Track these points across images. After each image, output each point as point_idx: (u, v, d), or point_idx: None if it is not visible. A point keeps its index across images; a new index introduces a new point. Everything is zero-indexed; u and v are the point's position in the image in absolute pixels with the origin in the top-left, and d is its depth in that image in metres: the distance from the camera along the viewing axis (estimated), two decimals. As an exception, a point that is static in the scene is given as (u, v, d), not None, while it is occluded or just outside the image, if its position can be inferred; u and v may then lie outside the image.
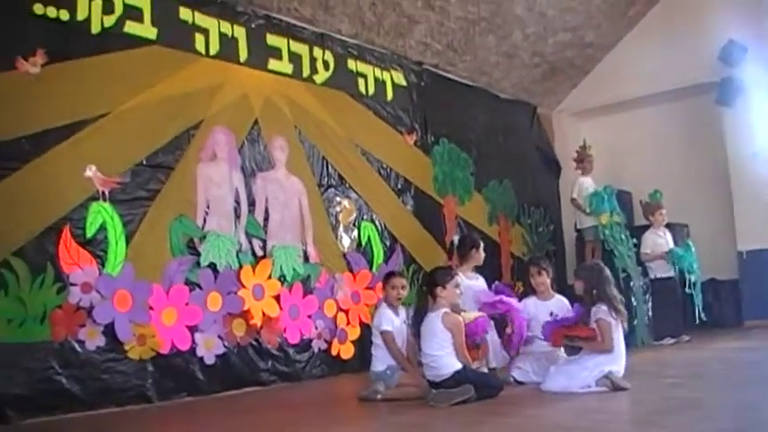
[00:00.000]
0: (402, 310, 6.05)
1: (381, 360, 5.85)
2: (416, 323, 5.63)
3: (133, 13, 6.51)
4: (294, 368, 7.37)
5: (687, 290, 9.29)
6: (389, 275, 6.21)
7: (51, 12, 5.94)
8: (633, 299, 9.06)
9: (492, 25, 9.84)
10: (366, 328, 7.92)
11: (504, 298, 6.20)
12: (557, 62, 11.37)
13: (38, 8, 5.87)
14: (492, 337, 6.13)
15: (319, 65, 8.20)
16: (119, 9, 6.40)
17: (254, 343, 7.04)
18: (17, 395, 5.39)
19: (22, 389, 5.42)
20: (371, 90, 8.82)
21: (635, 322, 8.74)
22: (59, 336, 5.68)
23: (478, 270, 6.90)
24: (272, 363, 7.18)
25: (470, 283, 6.54)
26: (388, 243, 8.65)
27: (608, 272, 5.81)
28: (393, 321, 5.87)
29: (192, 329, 6.52)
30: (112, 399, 5.93)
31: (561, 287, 7.43)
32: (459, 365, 5.23)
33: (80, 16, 6.14)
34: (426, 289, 5.70)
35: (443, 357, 5.25)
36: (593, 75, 12.07)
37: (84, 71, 6.11)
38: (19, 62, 5.72)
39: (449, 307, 5.46)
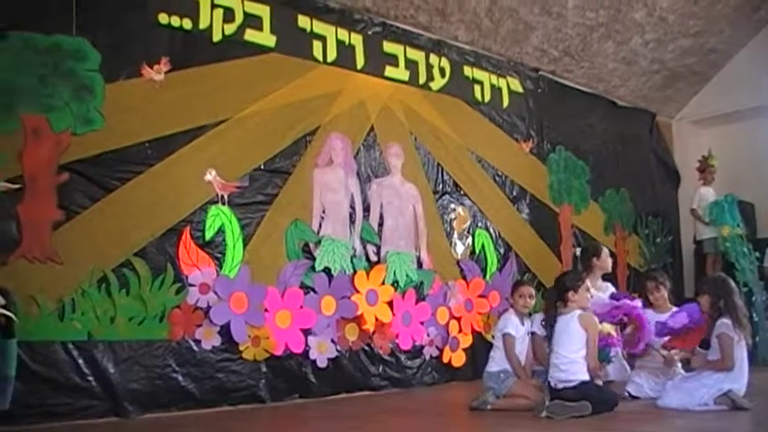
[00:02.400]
0: (527, 321, 5.82)
1: (498, 362, 5.67)
2: (547, 326, 5.45)
3: (253, 21, 6.52)
4: (405, 374, 7.21)
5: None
6: (518, 284, 6.05)
7: (175, 21, 6.02)
8: (755, 314, 8.51)
9: (610, 31, 9.43)
10: (478, 337, 7.78)
11: (617, 302, 5.95)
12: (677, 69, 10.80)
13: (162, 18, 5.96)
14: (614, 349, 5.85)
15: (435, 72, 8.01)
16: (239, 18, 6.43)
17: (367, 348, 6.92)
18: (136, 390, 5.47)
19: (141, 385, 5.50)
20: (487, 97, 8.56)
21: (756, 339, 8.21)
22: (177, 335, 5.72)
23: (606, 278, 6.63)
24: (384, 368, 7.05)
25: (594, 292, 6.28)
26: (502, 251, 8.38)
27: (733, 283, 5.48)
28: (518, 328, 5.68)
29: (306, 332, 6.44)
30: (226, 398, 5.93)
31: (679, 300, 7.02)
32: (586, 377, 5.05)
33: (202, 25, 6.19)
34: (557, 293, 5.47)
35: (575, 363, 5.07)
36: (714, 81, 11.38)
37: (206, 78, 6.15)
38: (144, 69, 5.81)
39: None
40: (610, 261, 6.72)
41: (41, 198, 5.22)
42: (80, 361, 5.26)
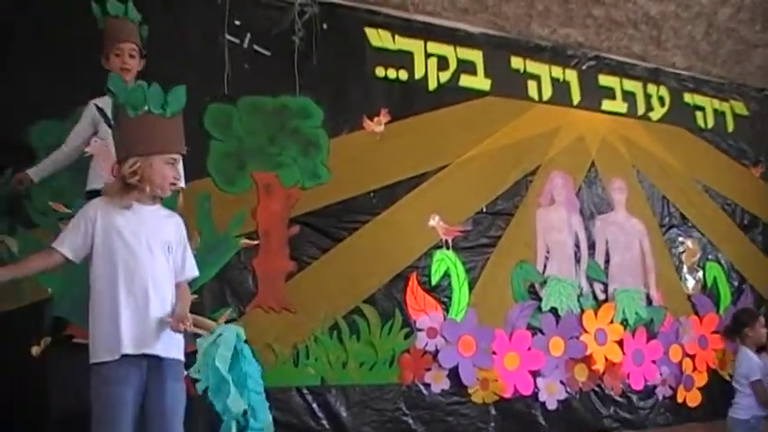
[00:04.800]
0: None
1: (746, 409, 5.01)
2: None
3: (467, 67, 6.25)
4: (637, 415, 6.43)
5: None
6: (754, 314, 5.41)
7: (391, 73, 5.88)
8: None
9: (840, 41, 8.26)
10: (714, 375, 6.86)
11: None
12: None
13: (379, 71, 5.84)
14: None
15: (654, 101, 7.26)
16: (453, 65, 6.18)
17: (597, 389, 6.25)
18: (368, 434, 5.23)
19: (372, 428, 5.29)
20: (711, 123, 7.63)
21: None
22: (407, 379, 5.45)
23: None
24: (615, 409, 6.32)
25: None
26: (735, 284, 7.35)
27: None
28: (761, 367, 5.00)
29: (535, 374, 5.93)
30: (454, 441, 5.53)
31: None
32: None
33: (417, 75, 6.00)
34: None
35: None
36: None
37: (424, 126, 5.92)
38: (365, 122, 5.69)
39: None
40: None
41: (275, 251, 5.17)
42: (314, 405, 5.13)
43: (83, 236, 2.95)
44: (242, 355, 2.89)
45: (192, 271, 3.18)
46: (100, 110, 3.38)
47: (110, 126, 3.16)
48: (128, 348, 2.86)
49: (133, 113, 2.94)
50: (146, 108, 2.93)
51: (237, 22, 5.35)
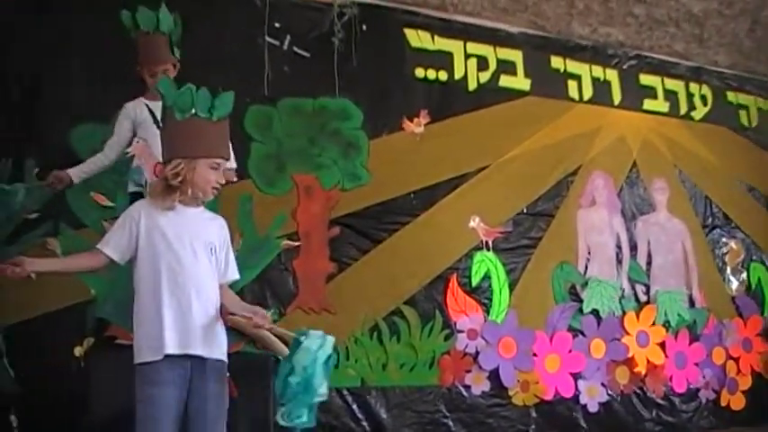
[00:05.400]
0: None
1: None
2: None
3: (506, 67, 6.15)
4: (680, 418, 6.27)
5: None
6: None
7: (431, 74, 5.80)
8: None
9: None
10: (758, 378, 6.65)
11: None
12: None
13: (419, 72, 5.76)
14: None
15: (697, 100, 7.05)
16: (492, 65, 6.08)
17: (638, 391, 6.11)
18: (408, 435, 5.13)
19: (413, 430, 5.25)
20: (754, 122, 7.37)
21: None
22: (447, 380, 5.39)
23: None
24: (657, 412, 6.17)
25: None
26: (776, 285, 7.13)
27: None
28: None
29: (576, 376, 5.81)
30: (495, 443, 5.41)
31: None
32: None
33: (457, 75, 5.92)
34: None
35: None
36: None
37: (464, 127, 5.83)
38: (405, 123, 5.62)
39: None
40: None
41: (315, 252, 5.14)
42: (354, 407, 5.10)
43: (128, 237, 2.90)
44: (329, 362, 2.91)
45: (234, 274, 3.12)
46: (151, 112, 3.37)
47: (158, 127, 3.13)
48: (171, 348, 2.77)
49: (180, 116, 2.89)
50: (193, 111, 2.89)
51: (277, 25, 5.30)
